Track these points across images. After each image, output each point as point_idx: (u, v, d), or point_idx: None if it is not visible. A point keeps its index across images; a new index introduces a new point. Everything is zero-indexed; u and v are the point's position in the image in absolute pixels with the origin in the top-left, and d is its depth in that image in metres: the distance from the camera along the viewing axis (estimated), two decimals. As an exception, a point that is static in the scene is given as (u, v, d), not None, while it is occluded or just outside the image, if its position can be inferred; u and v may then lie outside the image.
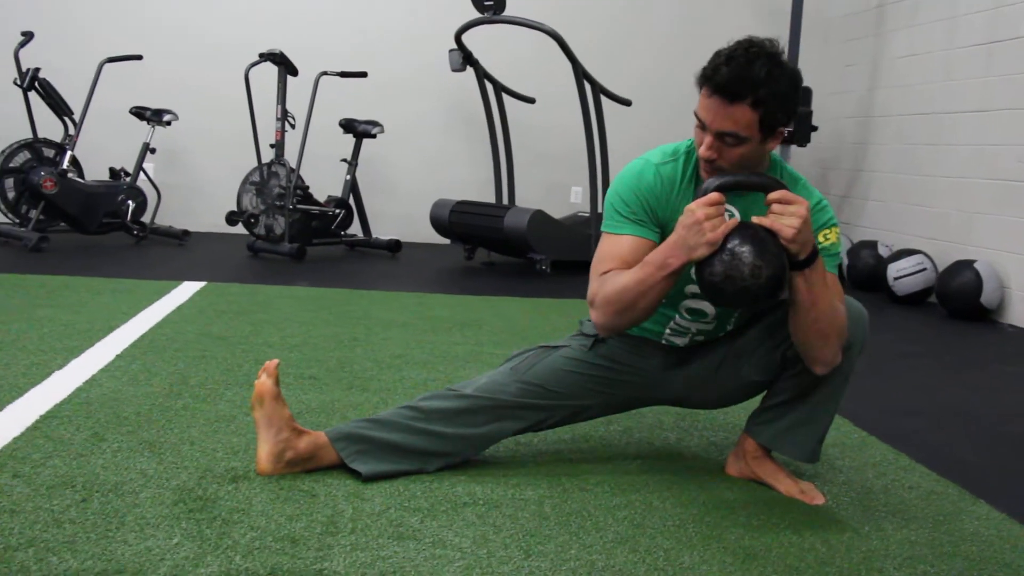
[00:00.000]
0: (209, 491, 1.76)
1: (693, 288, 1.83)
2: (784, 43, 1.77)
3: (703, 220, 1.65)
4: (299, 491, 1.79)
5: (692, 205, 1.68)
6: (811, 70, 6.31)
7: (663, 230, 1.83)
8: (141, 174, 5.50)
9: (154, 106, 5.58)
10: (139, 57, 5.37)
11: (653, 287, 1.72)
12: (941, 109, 5.15)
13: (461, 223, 5.32)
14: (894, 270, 4.93)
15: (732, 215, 1.78)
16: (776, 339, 1.90)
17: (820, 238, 1.80)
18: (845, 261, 5.41)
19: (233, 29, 6.08)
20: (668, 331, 1.97)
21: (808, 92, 5.75)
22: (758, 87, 1.64)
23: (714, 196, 1.67)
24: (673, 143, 1.90)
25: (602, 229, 1.90)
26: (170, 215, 5.97)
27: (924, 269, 4.87)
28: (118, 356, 2.76)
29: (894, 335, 4.07)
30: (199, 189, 6.20)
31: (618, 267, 1.80)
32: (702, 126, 1.73)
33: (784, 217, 1.66)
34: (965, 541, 1.78)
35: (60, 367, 2.59)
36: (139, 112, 5.52)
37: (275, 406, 1.85)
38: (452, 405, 1.94)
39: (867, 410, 2.69)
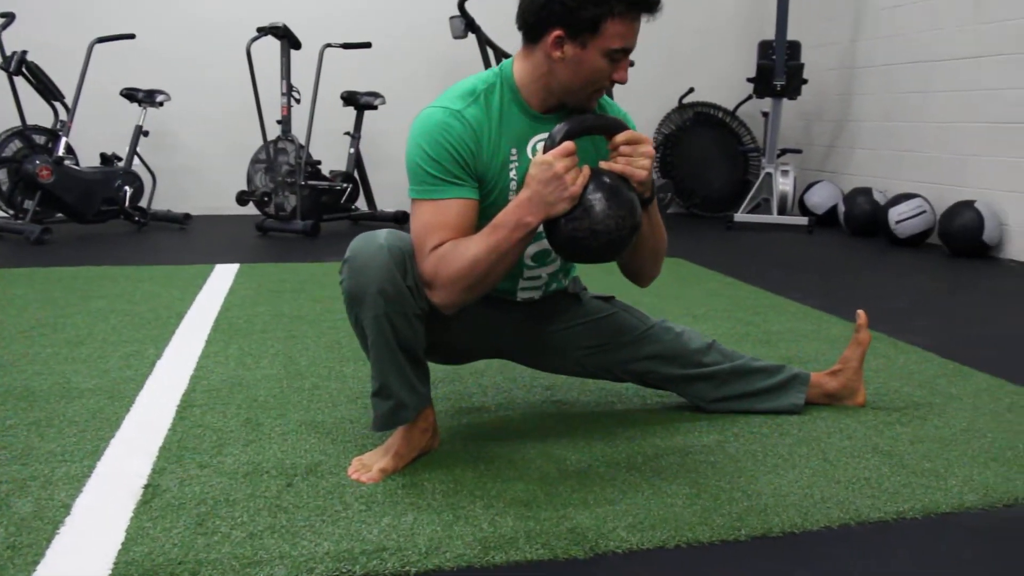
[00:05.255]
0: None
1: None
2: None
3: (563, 173, 1.53)
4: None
5: (547, 157, 1.54)
6: (793, 23, 6.45)
7: (481, 182, 1.68)
8: (135, 158, 5.37)
9: (145, 87, 5.43)
10: (132, 36, 5.20)
11: (509, 251, 1.58)
12: (929, 57, 5.32)
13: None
14: (895, 214, 5.11)
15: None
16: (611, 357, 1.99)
17: None
18: (842, 208, 5.60)
19: (224, 4, 5.89)
20: (520, 287, 1.87)
21: (797, 45, 5.87)
22: None
23: (569, 146, 1.54)
24: (463, 84, 1.70)
25: (412, 195, 1.66)
26: (166, 199, 5.84)
27: (924, 212, 5.06)
28: (207, 342, 2.73)
29: (898, 272, 4.24)
30: (194, 171, 6.04)
31: (450, 237, 1.62)
32: (624, 53, 1.62)
33: (635, 159, 1.59)
34: None
35: (157, 356, 2.56)
36: (130, 94, 5.36)
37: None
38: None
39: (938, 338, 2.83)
